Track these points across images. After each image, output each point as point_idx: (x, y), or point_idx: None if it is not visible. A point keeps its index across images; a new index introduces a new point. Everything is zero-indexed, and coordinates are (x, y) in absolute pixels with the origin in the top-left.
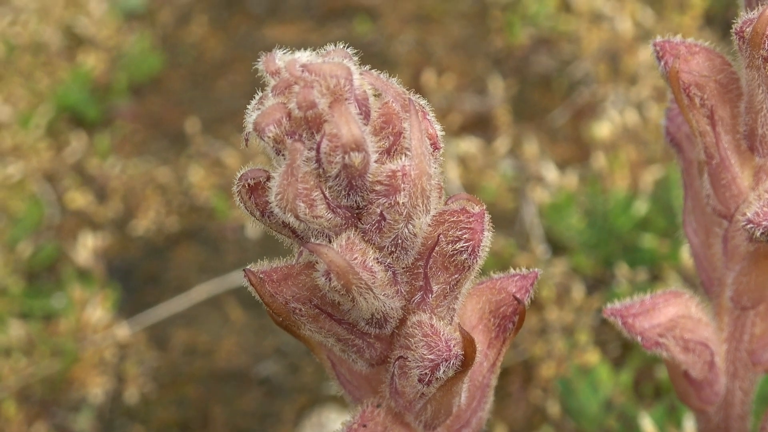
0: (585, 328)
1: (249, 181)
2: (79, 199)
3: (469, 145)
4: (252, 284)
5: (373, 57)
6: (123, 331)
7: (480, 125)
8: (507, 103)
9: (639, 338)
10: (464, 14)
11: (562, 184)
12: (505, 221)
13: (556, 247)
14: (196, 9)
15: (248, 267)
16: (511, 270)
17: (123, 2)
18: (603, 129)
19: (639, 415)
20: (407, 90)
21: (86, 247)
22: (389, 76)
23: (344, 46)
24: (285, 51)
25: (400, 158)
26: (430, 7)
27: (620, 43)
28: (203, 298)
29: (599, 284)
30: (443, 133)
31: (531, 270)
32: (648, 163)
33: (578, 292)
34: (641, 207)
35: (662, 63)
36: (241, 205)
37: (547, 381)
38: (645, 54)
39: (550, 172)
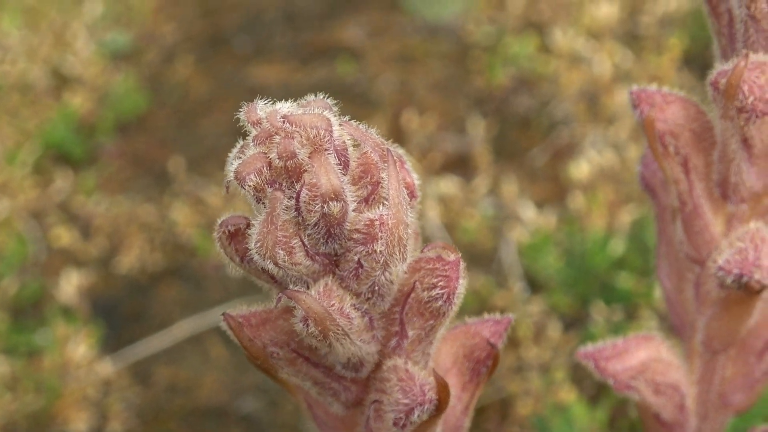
0: (561, 365)
1: (229, 227)
2: (64, 236)
3: (449, 184)
4: (231, 328)
5: (355, 97)
6: (106, 367)
7: (460, 165)
8: (487, 142)
9: (611, 381)
10: (446, 55)
11: (541, 223)
12: (485, 260)
13: (534, 286)
14: (182, 49)
15: (228, 311)
16: (486, 315)
17: (110, 42)
18: (581, 169)
19: None
20: (388, 132)
21: (70, 284)
22: (372, 115)
23: (326, 93)
24: (266, 101)
25: (378, 207)
26: (412, 48)
27: (599, 85)
28: (185, 335)
29: (576, 322)
30: (419, 181)
31: (505, 315)
32: (625, 202)
33: (555, 330)
34: (618, 246)
35: (638, 111)
36: (222, 250)
37: (523, 418)
38: (623, 95)
39: (529, 212)
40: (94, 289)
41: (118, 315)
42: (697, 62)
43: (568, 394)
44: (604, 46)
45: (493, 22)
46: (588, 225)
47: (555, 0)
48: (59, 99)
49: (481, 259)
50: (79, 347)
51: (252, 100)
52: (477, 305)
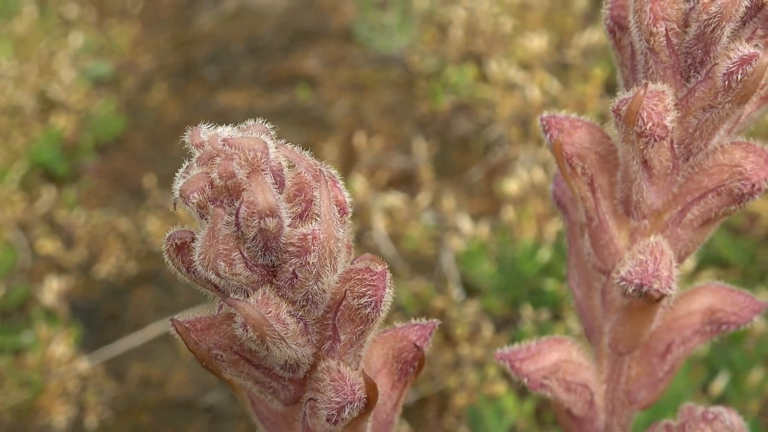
0: (494, 362)
1: (176, 240)
2: (48, 245)
3: (395, 199)
4: (178, 333)
5: (312, 120)
6: (84, 364)
7: (405, 181)
8: (429, 161)
9: (525, 380)
10: (394, 83)
11: (476, 234)
12: (426, 266)
13: (470, 290)
14: (157, 77)
15: (175, 317)
16: (423, 318)
17: (91, 70)
18: (513, 185)
19: None
20: (341, 152)
21: (52, 290)
22: (326, 137)
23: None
24: (210, 126)
25: (311, 223)
26: (364, 77)
27: (530, 109)
28: (157, 334)
29: (507, 323)
30: (350, 198)
31: (430, 321)
32: (552, 215)
33: (488, 330)
34: (545, 255)
35: (548, 135)
36: (170, 261)
37: (460, 409)
38: None
39: (466, 224)
40: (75, 294)
41: (97, 317)
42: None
43: (500, 388)
44: (534, 76)
45: (435, 53)
46: (518, 235)
47: (490, 34)
48: (45, 122)
49: (423, 266)
50: (60, 346)
51: (220, 123)
52: (419, 307)
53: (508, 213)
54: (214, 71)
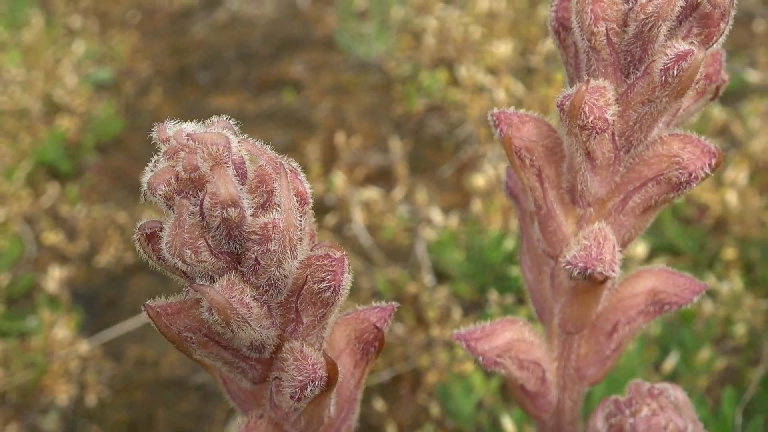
0: None
1: (146, 230)
2: (52, 237)
3: (372, 193)
4: (150, 317)
5: (297, 121)
6: (84, 346)
7: (382, 177)
8: (404, 159)
9: (480, 358)
10: (372, 87)
11: (447, 225)
12: (401, 255)
13: (441, 276)
14: (154, 82)
15: (148, 302)
16: (373, 302)
17: (93, 76)
18: (480, 180)
19: (503, 415)
20: (323, 150)
21: (55, 278)
22: (310, 136)
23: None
24: (176, 122)
25: (272, 212)
26: (344, 81)
27: None
28: None
29: (475, 306)
30: (311, 189)
31: (389, 303)
32: None
33: (457, 313)
34: (510, 244)
35: (498, 130)
36: (141, 250)
37: (431, 386)
38: None
39: (437, 216)
40: (76, 281)
41: (96, 303)
42: None
43: (468, 367)
44: (501, 80)
45: (410, 60)
46: (486, 226)
47: (461, 41)
48: (50, 124)
49: (398, 254)
50: (62, 330)
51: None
52: (394, 293)
53: (476, 206)
54: (207, 76)
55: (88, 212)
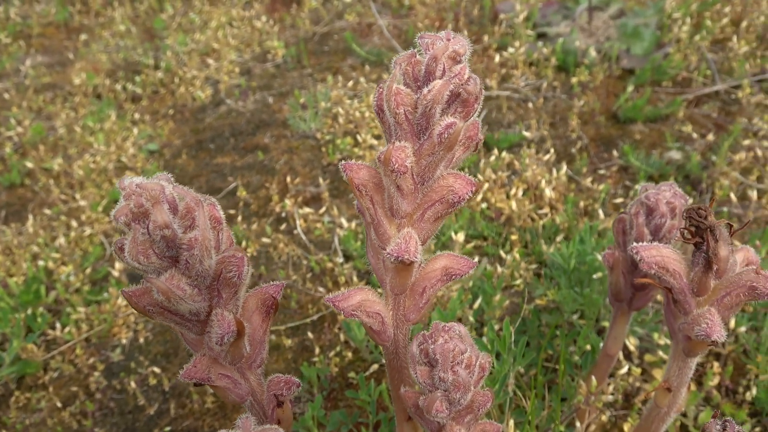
0: None
1: (119, 244)
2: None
3: (308, 210)
4: (125, 298)
5: (265, 170)
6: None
7: (314, 201)
8: (328, 190)
9: (342, 312)
10: (310, 148)
11: (352, 227)
12: (325, 246)
13: (347, 257)
14: (182, 150)
15: (124, 289)
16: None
17: (146, 147)
18: None
19: None
20: (279, 186)
21: (118, 269)
22: (272, 179)
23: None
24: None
25: (194, 231)
26: (294, 145)
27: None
28: None
29: (367, 274)
30: (222, 214)
31: (280, 282)
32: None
33: (356, 279)
34: None
35: (345, 173)
36: (116, 256)
37: (341, 322)
38: None
39: (346, 222)
40: (128, 270)
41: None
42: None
43: None
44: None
45: (331, 132)
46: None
47: (359, 119)
48: (120, 176)
49: (323, 245)
50: (123, 300)
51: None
52: (320, 268)
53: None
54: (213, 146)
55: None
